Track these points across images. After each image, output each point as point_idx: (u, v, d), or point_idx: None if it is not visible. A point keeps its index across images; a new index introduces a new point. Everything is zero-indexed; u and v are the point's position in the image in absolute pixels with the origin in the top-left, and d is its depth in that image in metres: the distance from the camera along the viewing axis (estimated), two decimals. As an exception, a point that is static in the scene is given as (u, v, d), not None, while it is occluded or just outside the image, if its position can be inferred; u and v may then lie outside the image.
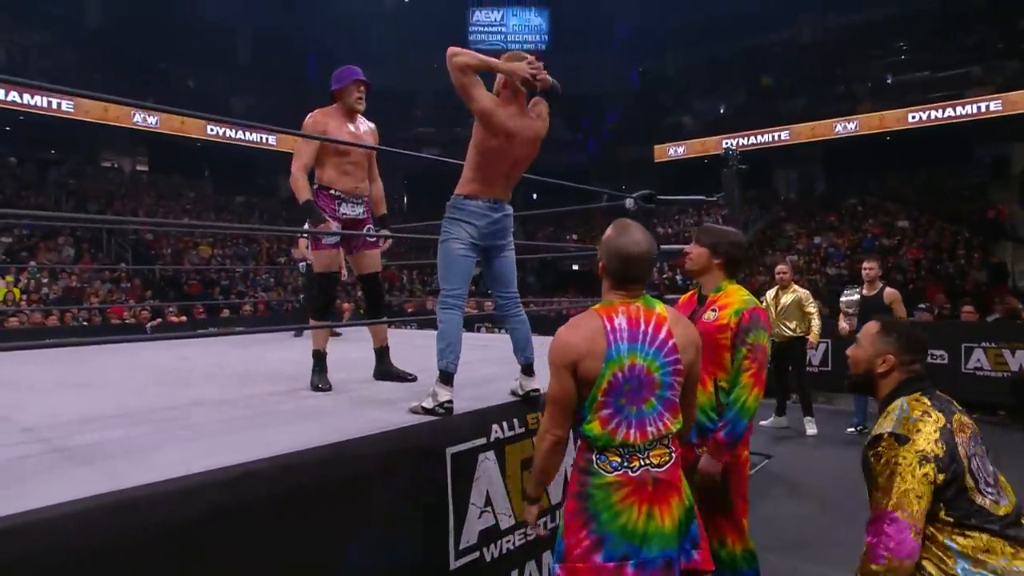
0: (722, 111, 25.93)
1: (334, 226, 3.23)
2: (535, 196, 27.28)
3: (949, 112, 19.47)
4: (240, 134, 21.76)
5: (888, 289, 5.76)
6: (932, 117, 19.77)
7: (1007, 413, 6.41)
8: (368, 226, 3.40)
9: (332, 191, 3.25)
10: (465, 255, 2.60)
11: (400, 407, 2.61)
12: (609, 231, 1.92)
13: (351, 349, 4.55)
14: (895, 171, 20.99)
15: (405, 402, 2.64)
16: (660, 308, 1.89)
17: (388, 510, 2.12)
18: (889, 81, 22.54)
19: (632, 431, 1.78)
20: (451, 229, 2.62)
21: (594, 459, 1.81)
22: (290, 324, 6.09)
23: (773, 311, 6.11)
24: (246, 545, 1.75)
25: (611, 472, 1.78)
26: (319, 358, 3.23)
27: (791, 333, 6.04)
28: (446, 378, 2.50)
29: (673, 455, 1.83)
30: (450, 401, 2.46)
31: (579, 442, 1.89)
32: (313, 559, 1.90)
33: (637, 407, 1.79)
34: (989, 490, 1.63)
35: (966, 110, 19.23)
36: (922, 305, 9.35)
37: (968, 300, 8.83)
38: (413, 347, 5.15)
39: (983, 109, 18.96)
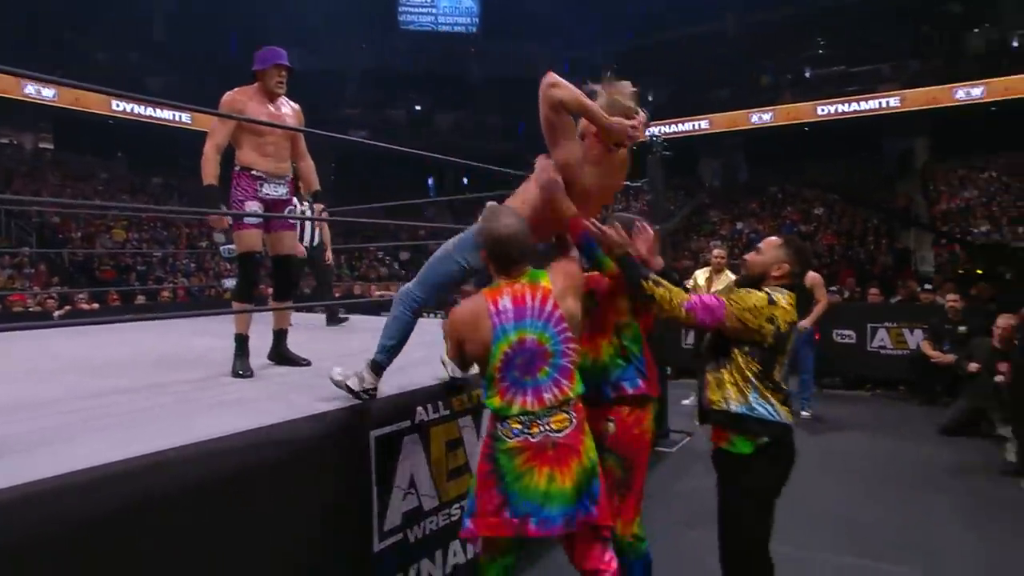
0: (650, 99, 26.43)
1: (255, 207, 3.17)
2: (466, 180, 27.19)
3: (855, 107, 20.73)
4: (154, 112, 20.62)
5: (811, 273, 6.06)
6: (839, 111, 20.98)
7: (906, 388, 6.91)
8: (289, 206, 3.41)
9: (253, 172, 3.20)
10: (458, 279, 2.41)
11: (325, 393, 2.59)
12: (480, 220, 2.05)
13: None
14: (813, 161, 22.03)
15: (331, 388, 2.62)
16: (545, 281, 2.02)
17: (311, 495, 2.13)
18: (808, 75, 23.56)
19: (529, 399, 1.95)
20: (469, 253, 2.29)
21: (499, 427, 1.98)
22: (213, 309, 5.89)
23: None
24: (164, 535, 1.72)
25: (513, 438, 1.95)
26: (241, 342, 3.19)
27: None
28: (378, 368, 2.45)
29: (574, 420, 1.97)
30: (375, 389, 2.45)
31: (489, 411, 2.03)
32: (235, 546, 1.89)
33: (532, 377, 1.96)
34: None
35: (870, 105, 20.50)
36: (833, 288, 9.87)
37: (874, 283, 9.40)
38: (338, 331, 5.10)
39: (884, 105, 20.31)
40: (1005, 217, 16.09)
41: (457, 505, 2.76)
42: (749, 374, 2.08)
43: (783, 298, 2.13)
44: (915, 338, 6.83)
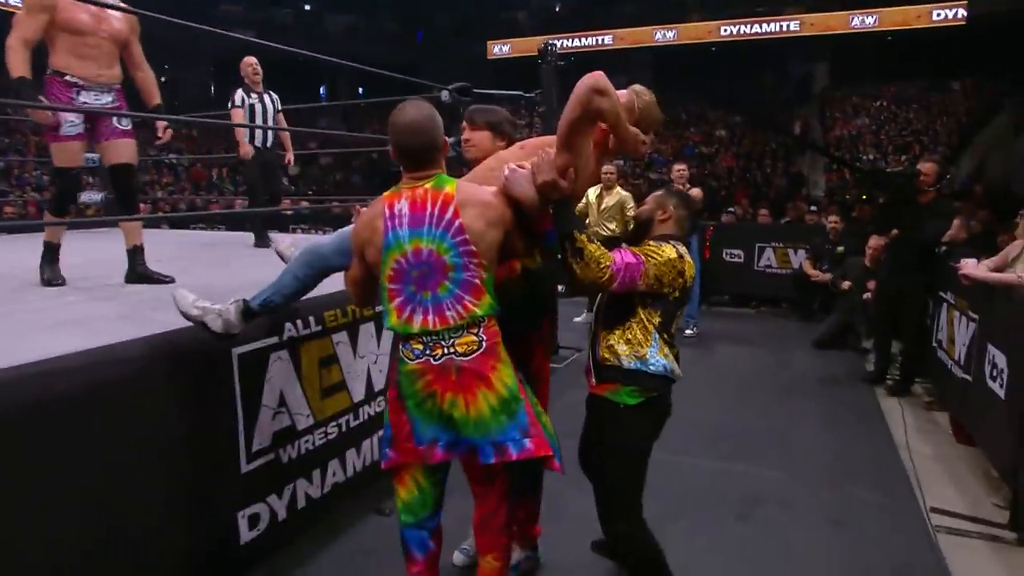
0: (558, 10, 25.98)
1: (72, 119, 2.97)
2: (361, 90, 26.04)
3: (756, 28, 21.18)
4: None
5: (694, 189, 6.29)
6: (742, 32, 21.37)
7: (788, 305, 7.44)
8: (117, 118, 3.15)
9: (67, 77, 2.95)
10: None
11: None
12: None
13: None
14: (719, 82, 22.56)
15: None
16: (451, 187, 1.82)
17: (168, 417, 2.05)
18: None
19: (430, 317, 1.79)
20: None
21: (400, 348, 1.87)
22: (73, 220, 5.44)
23: (595, 211, 6.46)
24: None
25: (413, 360, 1.82)
26: (50, 249, 3.13)
27: (610, 233, 6.44)
28: (249, 317, 2.21)
29: (484, 344, 1.81)
30: (218, 335, 2.21)
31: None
32: (81, 476, 1.81)
33: (432, 292, 1.79)
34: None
35: (771, 28, 21.02)
36: (730, 209, 10.36)
37: (765, 204, 9.93)
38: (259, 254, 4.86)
39: (784, 28, 20.89)
40: (891, 145, 17.27)
41: (334, 423, 2.76)
42: (651, 327, 2.04)
43: (686, 251, 2.10)
44: (799, 258, 7.31)
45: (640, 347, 2.03)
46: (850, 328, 5.94)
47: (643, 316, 2.04)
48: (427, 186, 1.82)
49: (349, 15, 25.82)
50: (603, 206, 6.46)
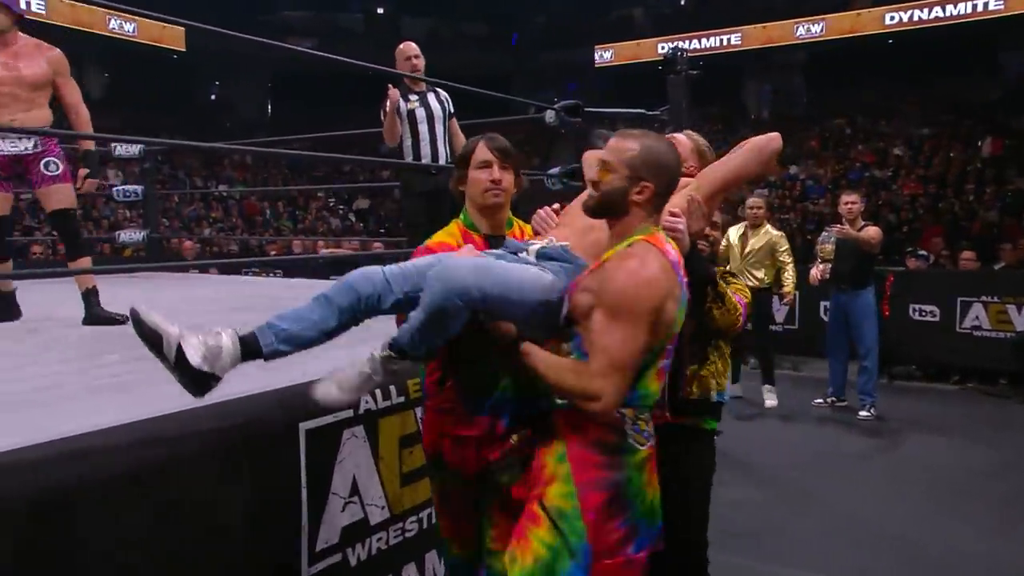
0: (682, 3, 26.22)
1: None
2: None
3: (937, 12, 20.14)
4: None
5: (870, 227, 6.07)
6: (915, 19, 20.44)
7: (1008, 381, 6.96)
8: (47, 158, 3.75)
9: None
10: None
11: (244, 371, 2.55)
12: (649, 141, 1.88)
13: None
14: (897, 84, 21.79)
15: (250, 368, 2.58)
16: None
17: (219, 505, 2.11)
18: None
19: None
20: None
21: (628, 431, 1.84)
22: (103, 267, 5.84)
23: (738, 254, 6.35)
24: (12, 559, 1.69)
25: (645, 444, 1.86)
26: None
27: (757, 283, 6.27)
28: (250, 350, 1.99)
29: None
30: (214, 377, 1.95)
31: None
32: (121, 567, 1.87)
33: None
34: None
35: (960, 9, 19.92)
36: (919, 252, 9.85)
37: (969, 245, 9.41)
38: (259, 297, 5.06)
39: (980, 7, 19.74)
40: None
41: (414, 518, 2.76)
42: (727, 355, 2.61)
43: None
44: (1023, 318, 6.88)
45: (723, 378, 2.56)
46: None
47: (723, 347, 2.57)
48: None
49: (429, 18, 27.01)
50: (748, 248, 6.34)
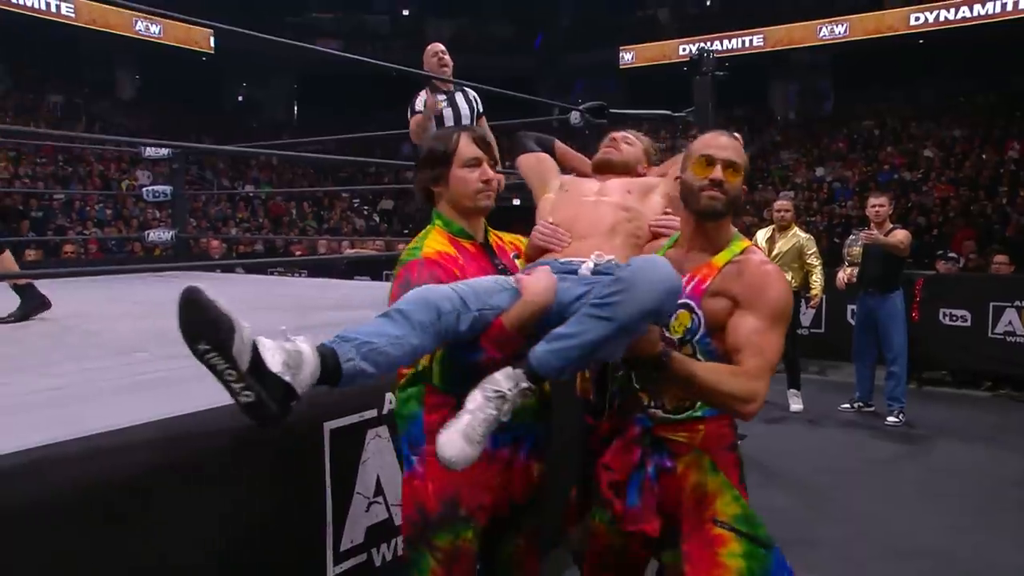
0: (708, 3, 26.10)
1: None
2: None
3: (965, 12, 19.69)
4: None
5: (898, 231, 6.00)
6: (943, 19, 20.04)
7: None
8: None
9: None
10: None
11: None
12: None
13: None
14: (929, 85, 21.51)
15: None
16: None
17: (242, 505, 2.12)
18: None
19: None
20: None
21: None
22: (131, 266, 5.91)
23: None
24: (46, 548, 1.71)
25: None
26: None
27: (785, 287, 6.22)
28: (328, 367, 1.58)
29: None
30: (291, 396, 1.55)
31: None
32: (145, 564, 1.88)
33: None
34: None
35: (989, 8, 19.43)
36: (950, 254, 9.70)
37: (1001, 248, 9.28)
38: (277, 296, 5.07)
39: (1011, 7, 19.25)
40: None
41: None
42: None
43: None
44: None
45: None
46: None
47: None
48: None
49: (455, 20, 27.10)
50: (775, 251, 6.29)
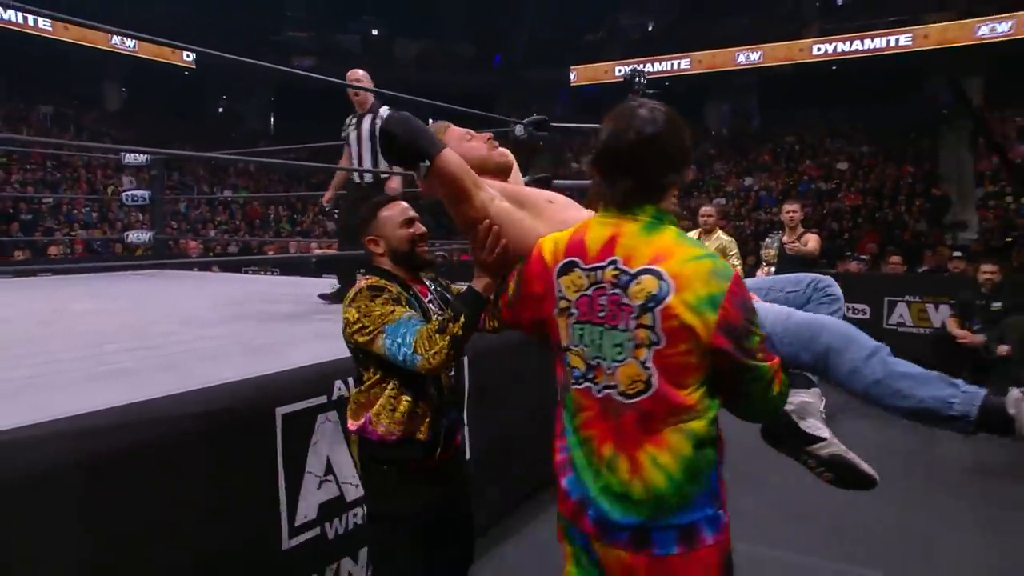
0: (650, 29, 26.32)
1: None
2: (431, 121, 26.89)
3: (857, 45, 20.70)
4: (41, 22, 19.74)
5: (810, 235, 6.13)
6: (838, 51, 20.91)
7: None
8: None
9: None
10: None
11: (236, 362, 2.56)
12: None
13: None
14: (841, 107, 22.04)
15: (235, 357, 2.60)
16: None
17: (201, 484, 2.10)
18: (840, 2, 23.49)
19: None
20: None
21: None
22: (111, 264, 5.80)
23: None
24: (9, 528, 1.69)
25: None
26: None
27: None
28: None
29: None
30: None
31: None
32: (110, 541, 1.87)
33: None
34: None
35: (874, 43, 20.45)
36: (860, 256, 9.99)
37: (895, 250, 9.55)
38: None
39: (891, 43, 20.31)
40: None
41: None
42: None
43: None
44: (941, 316, 6.95)
45: None
46: (1009, 403, 5.56)
47: None
48: None
49: (420, 40, 26.95)
50: (702, 253, 6.38)
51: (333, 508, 2.53)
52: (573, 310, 1.50)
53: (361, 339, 1.91)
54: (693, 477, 1.46)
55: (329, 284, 4.81)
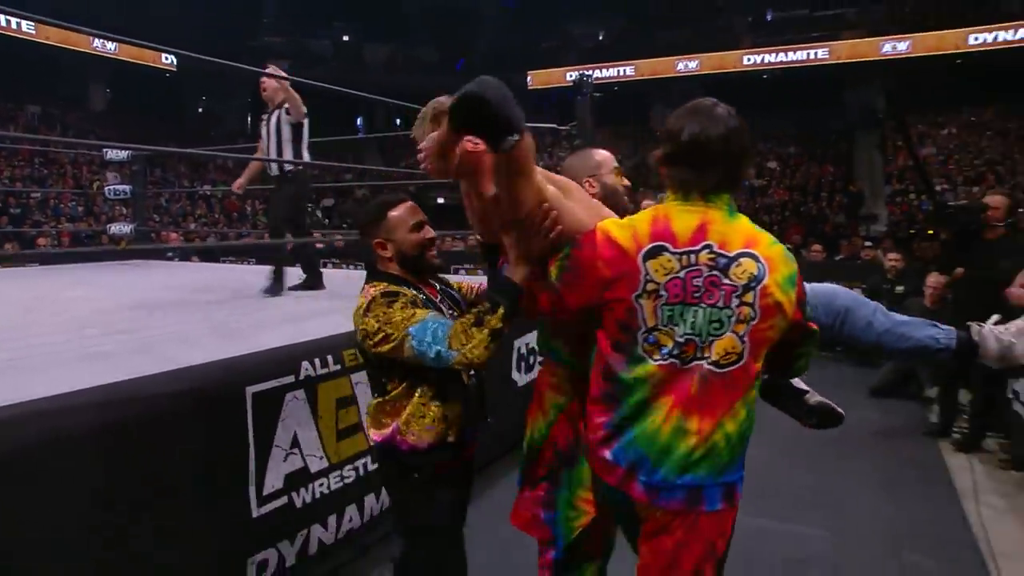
0: (600, 38, 26.36)
1: None
2: (398, 121, 26.68)
3: (782, 57, 21.38)
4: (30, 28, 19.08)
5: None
6: (765, 62, 21.55)
7: (842, 348, 7.22)
8: None
9: None
10: None
11: (208, 344, 2.54)
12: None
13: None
14: (770, 112, 22.41)
15: (206, 340, 2.58)
16: None
17: (177, 457, 2.09)
18: (769, 18, 23.82)
19: None
20: None
21: None
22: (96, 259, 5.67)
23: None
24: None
25: None
26: None
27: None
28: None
29: None
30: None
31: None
32: (89, 514, 1.85)
33: None
34: None
35: (797, 56, 21.18)
36: (790, 246, 10.20)
37: (816, 240, 9.76)
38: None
39: (811, 56, 21.03)
40: (961, 176, 16.77)
41: (351, 467, 2.77)
42: None
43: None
44: (855, 298, 7.13)
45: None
46: (911, 375, 5.75)
47: None
48: None
49: (388, 44, 26.62)
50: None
51: (298, 478, 2.52)
52: (663, 292, 1.48)
53: (385, 348, 1.72)
54: (742, 440, 1.56)
55: (297, 275, 4.59)
